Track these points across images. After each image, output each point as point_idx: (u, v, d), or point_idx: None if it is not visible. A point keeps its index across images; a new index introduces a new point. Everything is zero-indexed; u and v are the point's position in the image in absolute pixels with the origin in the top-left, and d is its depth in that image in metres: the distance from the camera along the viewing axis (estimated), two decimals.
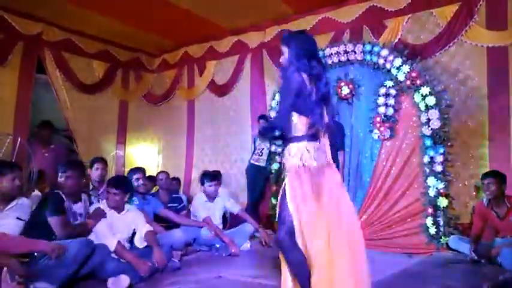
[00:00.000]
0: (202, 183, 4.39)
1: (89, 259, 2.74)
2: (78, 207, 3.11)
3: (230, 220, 4.93)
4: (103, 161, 4.10)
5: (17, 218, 2.73)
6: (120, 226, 3.24)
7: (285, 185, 2.05)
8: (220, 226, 4.40)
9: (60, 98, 6.00)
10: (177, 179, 5.84)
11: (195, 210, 4.38)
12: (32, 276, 2.50)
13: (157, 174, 5.05)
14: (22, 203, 2.84)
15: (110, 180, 3.44)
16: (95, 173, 3.93)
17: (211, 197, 4.37)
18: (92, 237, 3.02)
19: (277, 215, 2.12)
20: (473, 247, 3.54)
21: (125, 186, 3.34)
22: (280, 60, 2.17)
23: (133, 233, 3.35)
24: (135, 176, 3.98)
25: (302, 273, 1.95)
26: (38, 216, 2.83)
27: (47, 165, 4.78)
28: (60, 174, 3.06)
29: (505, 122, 4.15)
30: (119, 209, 3.28)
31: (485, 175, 3.63)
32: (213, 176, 4.40)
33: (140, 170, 4.12)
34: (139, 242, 3.25)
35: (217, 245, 4.00)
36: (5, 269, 2.44)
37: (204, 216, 4.21)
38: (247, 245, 4.23)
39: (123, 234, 3.24)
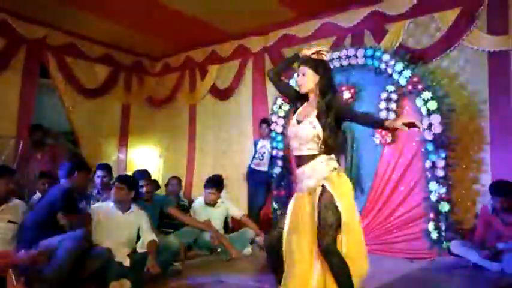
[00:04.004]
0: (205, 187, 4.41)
1: (87, 253, 2.73)
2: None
3: (232, 225, 4.92)
4: (105, 168, 4.06)
5: (9, 221, 2.73)
6: (122, 226, 3.19)
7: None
8: (222, 231, 4.40)
9: (63, 101, 6.03)
10: (177, 178, 5.73)
11: (195, 213, 4.38)
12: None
13: (169, 180, 5.06)
14: (13, 205, 2.86)
15: (117, 176, 3.49)
16: (96, 180, 3.93)
17: (211, 203, 4.37)
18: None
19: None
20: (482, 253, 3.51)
21: (131, 183, 3.33)
22: (300, 82, 2.24)
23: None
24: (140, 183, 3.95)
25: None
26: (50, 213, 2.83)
27: (43, 168, 4.77)
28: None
29: (506, 126, 4.14)
30: (123, 206, 3.24)
31: (497, 193, 3.51)
32: (213, 183, 4.39)
33: (144, 174, 3.99)
34: (141, 247, 3.21)
35: (219, 250, 3.99)
36: (10, 270, 2.45)
37: (203, 220, 4.21)
38: (248, 250, 4.23)
39: (123, 235, 3.18)
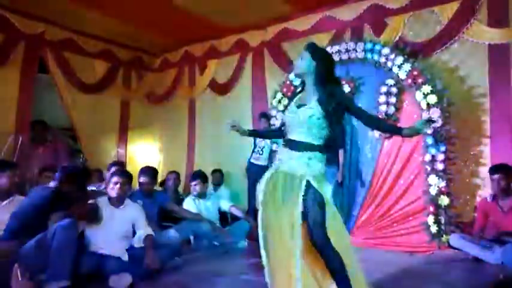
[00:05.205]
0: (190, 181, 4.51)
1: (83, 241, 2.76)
2: None
3: (231, 220, 4.93)
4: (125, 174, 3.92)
5: None
6: (117, 221, 3.17)
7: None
8: (217, 222, 4.44)
9: (62, 97, 6.02)
10: (176, 173, 5.59)
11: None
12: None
13: (167, 174, 5.06)
14: (17, 200, 2.92)
15: (117, 171, 3.47)
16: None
17: (200, 195, 4.42)
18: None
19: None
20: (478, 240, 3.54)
21: (131, 177, 3.36)
22: (297, 64, 2.26)
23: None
24: (141, 179, 3.98)
25: None
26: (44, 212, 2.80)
27: (45, 163, 4.77)
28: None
29: (506, 119, 4.14)
30: (118, 201, 3.24)
31: (495, 170, 3.64)
32: (196, 176, 4.49)
33: (146, 172, 4.01)
34: (138, 242, 3.21)
35: (216, 243, 4.03)
36: (16, 265, 2.46)
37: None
38: (244, 243, 4.26)
39: (119, 229, 3.16)
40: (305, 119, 2.13)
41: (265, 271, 2.15)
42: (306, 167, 2.11)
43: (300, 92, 2.33)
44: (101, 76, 6.59)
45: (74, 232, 2.66)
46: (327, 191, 2.17)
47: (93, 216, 3.06)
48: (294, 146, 2.16)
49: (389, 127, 2.26)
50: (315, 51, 2.23)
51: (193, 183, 4.44)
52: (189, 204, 4.40)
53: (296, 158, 2.14)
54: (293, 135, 2.19)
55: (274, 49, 5.85)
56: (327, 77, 2.19)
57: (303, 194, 2.06)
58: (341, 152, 4.40)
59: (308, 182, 2.08)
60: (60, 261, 2.52)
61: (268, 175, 2.23)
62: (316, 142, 2.15)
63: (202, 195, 4.45)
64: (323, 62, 2.21)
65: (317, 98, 2.16)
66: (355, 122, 4.65)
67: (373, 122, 2.27)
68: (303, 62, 2.23)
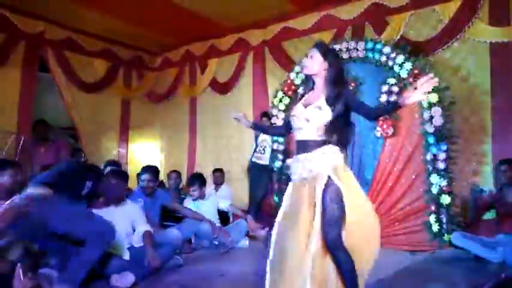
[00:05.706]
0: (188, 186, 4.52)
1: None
2: None
3: (233, 219, 4.94)
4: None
5: None
6: (117, 220, 3.10)
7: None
8: (216, 222, 4.44)
9: (63, 96, 6.03)
10: (177, 172, 5.58)
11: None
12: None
13: (168, 174, 5.05)
14: None
15: (111, 172, 3.46)
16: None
17: (200, 197, 4.44)
18: None
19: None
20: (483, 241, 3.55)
21: (127, 177, 3.37)
22: (307, 64, 2.19)
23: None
24: (143, 177, 3.97)
25: None
26: None
27: (47, 162, 4.78)
28: None
29: (508, 118, 4.14)
30: (118, 201, 3.24)
31: (503, 162, 3.77)
32: (194, 181, 4.47)
33: (149, 170, 4.02)
34: (137, 240, 3.21)
35: (216, 242, 4.03)
36: (19, 264, 2.46)
37: None
38: (245, 242, 4.26)
39: (120, 228, 3.08)
40: (313, 117, 2.08)
41: (267, 281, 2.09)
42: (324, 160, 2.05)
43: (306, 91, 2.26)
44: (102, 75, 6.60)
45: (111, 239, 2.66)
46: (351, 180, 2.07)
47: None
48: (307, 147, 2.10)
49: (389, 109, 2.20)
50: (327, 51, 2.18)
51: (191, 188, 4.43)
52: (188, 205, 4.41)
53: (312, 157, 2.07)
54: (303, 136, 2.13)
55: (275, 48, 5.85)
56: (338, 77, 2.14)
57: (322, 189, 2.00)
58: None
59: (329, 177, 2.01)
60: (82, 268, 2.52)
61: (290, 191, 2.18)
62: (325, 138, 2.08)
63: (200, 196, 4.46)
64: (335, 62, 2.16)
65: (325, 97, 2.11)
66: (356, 119, 4.64)
67: (376, 113, 2.18)
68: (314, 62, 2.16)
